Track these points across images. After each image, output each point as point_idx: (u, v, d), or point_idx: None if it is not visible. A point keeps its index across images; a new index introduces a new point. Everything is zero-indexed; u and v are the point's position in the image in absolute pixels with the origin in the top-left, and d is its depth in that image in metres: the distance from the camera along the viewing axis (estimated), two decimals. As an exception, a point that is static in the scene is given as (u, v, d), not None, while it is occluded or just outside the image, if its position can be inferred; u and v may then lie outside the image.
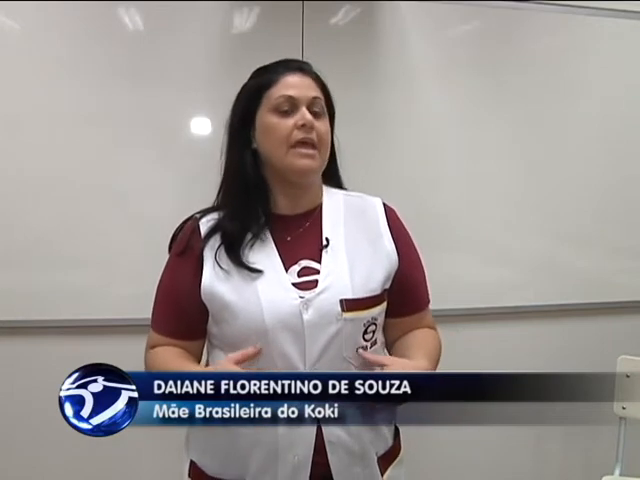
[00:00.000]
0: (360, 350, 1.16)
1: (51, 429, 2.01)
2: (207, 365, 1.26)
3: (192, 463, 1.26)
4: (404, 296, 1.25)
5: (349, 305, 1.15)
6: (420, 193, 2.16)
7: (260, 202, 1.20)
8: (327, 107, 1.22)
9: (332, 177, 1.29)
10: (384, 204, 1.28)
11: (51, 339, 1.99)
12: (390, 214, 1.27)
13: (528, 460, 2.42)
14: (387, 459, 1.25)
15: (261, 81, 1.20)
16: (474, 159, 2.21)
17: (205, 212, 1.24)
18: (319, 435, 1.15)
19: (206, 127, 2.03)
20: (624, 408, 2.07)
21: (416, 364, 1.15)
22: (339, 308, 1.15)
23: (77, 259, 1.95)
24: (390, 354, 1.28)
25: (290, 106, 1.17)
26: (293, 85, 1.18)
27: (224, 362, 1.11)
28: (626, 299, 2.39)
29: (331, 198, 1.26)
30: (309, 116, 1.16)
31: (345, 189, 1.31)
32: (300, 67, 1.22)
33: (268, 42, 1.96)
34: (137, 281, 1.83)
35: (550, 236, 2.30)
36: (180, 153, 2.00)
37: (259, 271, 1.15)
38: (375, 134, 2.12)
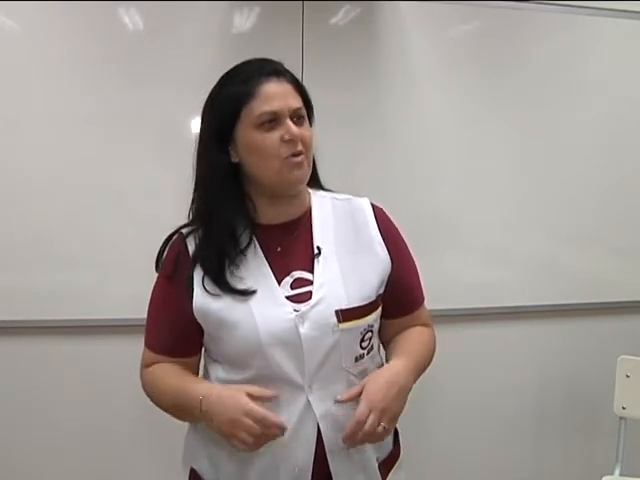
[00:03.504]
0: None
1: (51, 429, 2.02)
2: (205, 377, 1.23)
3: (192, 471, 1.25)
4: (398, 298, 1.23)
5: (345, 315, 1.12)
6: (419, 193, 2.16)
7: (244, 215, 1.14)
8: (305, 107, 1.16)
9: (312, 177, 1.22)
10: (372, 204, 1.24)
11: (51, 339, 1.99)
12: (379, 214, 1.23)
13: (528, 460, 2.42)
14: (388, 464, 1.25)
15: (236, 94, 1.11)
16: (474, 159, 2.20)
17: (191, 227, 1.19)
18: (319, 444, 1.13)
19: (206, 127, 2.03)
20: (624, 408, 2.07)
21: (390, 372, 1.14)
22: (335, 319, 1.12)
23: (77, 259, 1.95)
24: (386, 356, 1.27)
25: (273, 119, 1.10)
26: (274, 96, 1.10)
27: (237, 393, 1.07)
28: (626, 299, 2.38)
29: (319, 203, 1.23)
30: (295, 129, 1.10)
31: (328, 190, 1.27)
32: (275, 70, 1.14)
33: (268, 42, 1.95)
34: (137, 281, 1.81)
35: (550, 236, 2.30)
36: (180, 153, 1.97)
37: (252, 292, 1.12)
38: (375, 134, 2.12)
